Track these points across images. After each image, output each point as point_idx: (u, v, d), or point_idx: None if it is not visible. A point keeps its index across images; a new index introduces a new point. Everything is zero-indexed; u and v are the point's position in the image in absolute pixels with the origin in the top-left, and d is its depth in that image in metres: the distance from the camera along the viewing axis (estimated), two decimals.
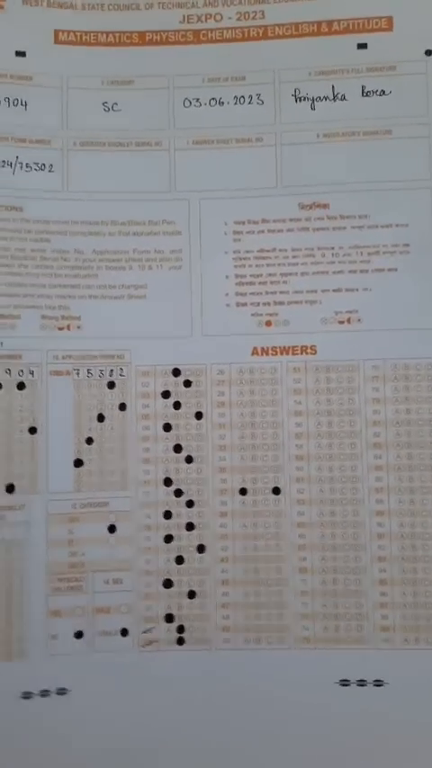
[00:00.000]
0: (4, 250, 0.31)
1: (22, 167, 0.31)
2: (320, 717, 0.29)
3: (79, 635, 0.30)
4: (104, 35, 0.32)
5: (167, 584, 0.30)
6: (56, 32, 0.32)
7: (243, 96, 0.32)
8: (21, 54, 0.32)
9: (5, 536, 0.30)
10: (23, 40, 0.32)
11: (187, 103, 0.32)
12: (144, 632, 0.30)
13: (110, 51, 0.32)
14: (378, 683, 0.29)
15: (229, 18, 0.32)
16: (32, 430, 0.31)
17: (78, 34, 0.32)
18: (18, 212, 0.31)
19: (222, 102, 0.32)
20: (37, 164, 0.31)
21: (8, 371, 0.31)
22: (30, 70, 0.32)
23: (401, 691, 0.29)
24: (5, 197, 0.31)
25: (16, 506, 0.30)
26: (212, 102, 0.32)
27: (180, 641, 0.30)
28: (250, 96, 0.32)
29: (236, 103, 0.32)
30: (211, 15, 0.32)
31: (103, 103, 0.32)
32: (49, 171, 0.32)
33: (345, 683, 0.29)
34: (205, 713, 0.29)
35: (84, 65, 0.32)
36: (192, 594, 0.30)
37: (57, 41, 0.32)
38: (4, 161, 0.31)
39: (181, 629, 0.30)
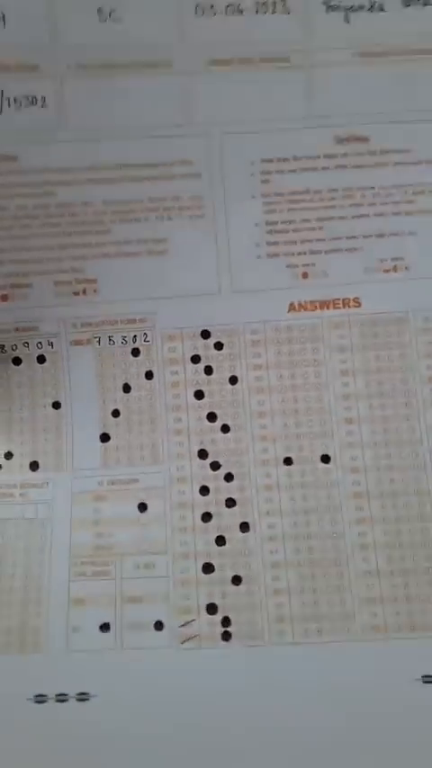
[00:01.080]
0: (3, 210, 0.27)
1: (9, 104, 0.26)
2: (401, 720, 0.25)
3: (105, 627, 0.27)
4: None
5: (207, 568, 0.27)
6: None
7: (266, 3, 0.27)
8: None
9: (27, 515, 0.28)
10: None
11: (200, 11, 0.27)
12: (182, 626, 0.27)
13: None
14: None
15: None
16: (56, 405, 0.28)
17: None
18: (12, 162, 0.27)
19: (241, 10, 0.27)
20: (28, 97, 0.27)
21: (26, 344, 0.28)
22: None
23: None
24: None
25: (39, 484, 0.28)
26: (229, 10, 0.27)
27: (226, 636, 0.27)
28: (274, 3, 0.27)
29: (257, 12, 0.27)
30: None
31: (98, 10, 0.27)
32: (42, 105, 0.27)
33: (428, 679, 0.26)
34: (259, 723, 0.25)
35: None
36: (237, 580, 0.27)
37: None
38: None
39: (226, 621, 0.27)
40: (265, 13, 0.27)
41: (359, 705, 0.25)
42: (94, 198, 0.28)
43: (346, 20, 0.27)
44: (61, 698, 0.26)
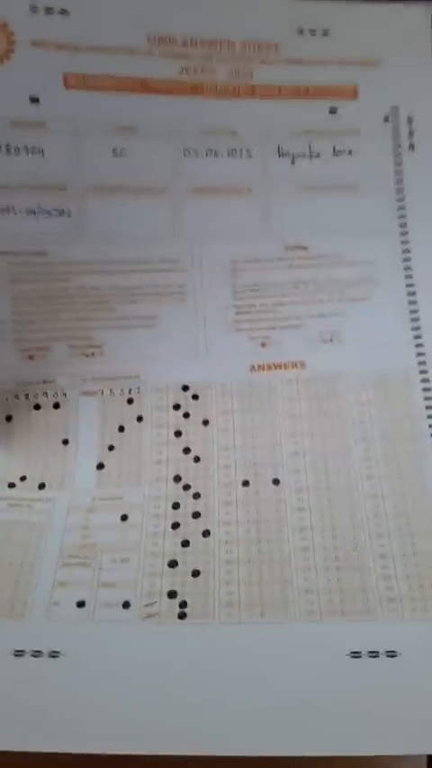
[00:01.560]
0: (33, 291, 0.35)
1: (42, 215, 0.35)
2: (331, 690, 0.28)
3: (81, 604, 0.31)
4: (109, 79, 0.36)
5: (173, 563, 0.33)
6: (65, 77, 0.35)
7: (235, 149, 0.37)
8: (35, 100, 0.35)
9: (31, 519, 0.34)
10: (36, 85, 0.35)
11: (187, 153, 0.37)
12: (146, 605, 0.31)
13: (116, 98, 0.36)
14: (391, 654, 0.29)
15: (223, 74, 0.37)
16: (65, 441, 0.36)
17: (86, 78, 0.36)
18: (43, 257, 0.35)
19: (217, 154, 0.37)
20: (56, 209, 0.36)
21: (45, 394, 0.36)
22: (43, 116, 0.35)
23: (416, 661, 0.29)
24: (31, 243, 0.35)
25: (44, 499, 0.35)
26: (209, 153, 0.37)
27: (182, 615, 0.31)
28: (241, 150, 0.37)
29: (229, 156, 0.37)
30: (206, 69, 0.37)
31: (113, 150, 0.36)
32: (67, 216, 0.36)
33: (356, 654, 0.29)
34: (205, 686, 0.28)
35: (92, 111, 0.36)
36: (196, 573, 0.32)
37: (66, 86, 0.35)
38: (27, 209, 0.35)
39: (183, 604, 0.31)
40: (235, 156, 0.37)
41: (294, 677, 0.29)
42: (103, 285, 0.36)
43: (293, 162, 0.37)
44: (36, 654, 0.29)
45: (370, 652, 0.29)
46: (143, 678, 0.28)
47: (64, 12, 0.35)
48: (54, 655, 0.29)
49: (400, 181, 0.38)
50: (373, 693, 0.28)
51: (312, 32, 0.37)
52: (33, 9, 0.34)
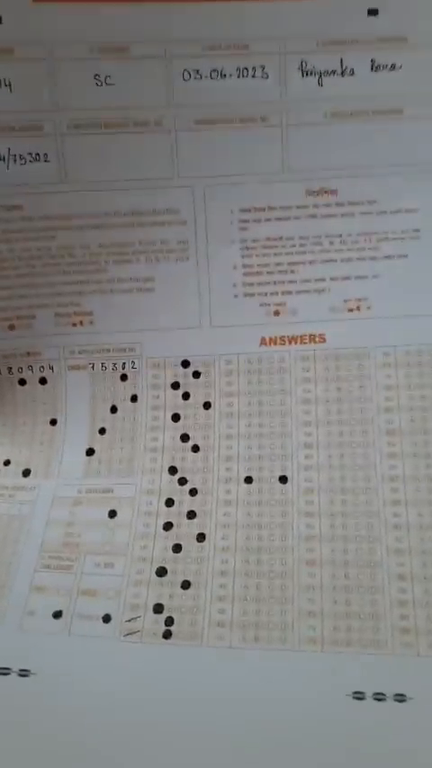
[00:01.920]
0: (10, 251, 0.31)
1: (16, 161, 0.30)
2: (326, 733, 0.24)
3: (58, 614, 0.29)
4: None
5: (161, 572, 0.29)
6: None
7: (246, 68, 0.30)
8: None
9: (11, 511, 0.32)
10: None
11: (187, 75, 0.30)
12: (128, 621, 0.28)
13: (97, 9, 0.29)
14: (399, 699, 0.25)
15: None
16: (53, 422, 0.33)
17: None
18: (19, 211, 0.31)
19: (224, 75, 0.30)
20: (31, 154, 0.30)
21: (30, 368, 0.33)
22: (9, 40, 0.29)
23: (426, 706, 0.25)
24: (4, 196, 0.30)
25: (28, 488, 0.32)
26: (214, 75, 0.30)
27: (167, 634, 0.28)
28: (254, 68, 0.30)
29: (239, 76, 0.30)
30: None
31: (95, 76, 0.30)
32: (45, 161, 0.30)
33: (358, 696, 0.25)
34: (187, 718, 0.25)
35: (70, 30, 0.29)
36: (186, 585, 0.29)
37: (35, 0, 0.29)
38: None
39: (170, 621, 0.28)
40: (246, 77, 0.30)
41: (286, 716, 0.25)
42: (91, 241, 0.31)
43: (320, 83, 0.30)
44: (4, 671, 0.27)
45: (375, 693, 0.25)
46: (120, 705, 0.25)
47: None
48: (24, 674, 0.27)
49: None
50: (374, 744, 0.24)
51: None
52: None
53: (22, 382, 0.33)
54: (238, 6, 0.29)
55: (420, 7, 0.29)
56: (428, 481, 0.30)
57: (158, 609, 0.29)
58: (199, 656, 0.27)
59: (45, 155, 0.30)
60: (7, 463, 0.32)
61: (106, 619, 0.28)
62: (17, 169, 0.30)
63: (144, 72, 0.30)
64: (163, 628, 0.28)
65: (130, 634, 0.28)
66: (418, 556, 0.28)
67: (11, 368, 0.32)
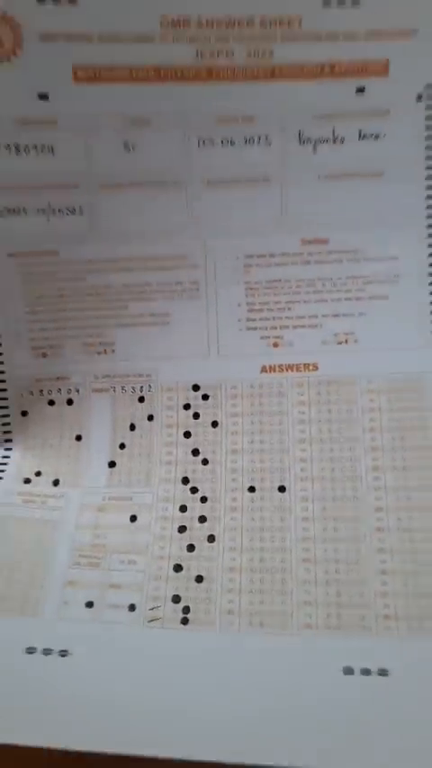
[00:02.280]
0: (47, 290, 0.36)
1: (54, 214, 0.35)
2: (321, 701, 0.28)
3: (90, 605, 0.32)
4: (121, 70, 0.35)
5: (177, 568, 0.34)
6: (74, 70, 0.34)
7: (252, 137, 0.35)
8: (43, 97, 0.34)
9: (44, 516, 0.36)
10: (45, 81, 0.34)
11: (201, 144, 0.35)
12: (151, 609, 0.32)
13: (127, 89, 0.35)
14: (383, 673, 0.29)
15: (240, 54, 0.34)
16: (78, 437, 0.37)
17: (96, 70, 0.35)
18: (55, 256, 0.36)
19: (233, 143, 0.35)
20: (68, 208, 0.36)
21: (59, 390, 0.37)
22: (53, 113, 0.34)
23: (405, 680, 0.29)
24: (43, 243, 0.36)
25: (58, 496, 0.36)
26: (224, 143, 0.35)
27: (185, 621, 0.32)
28: (259, 137, 0.35)
29: (246, 144, 0.35)
30: (222, 51, 0.35)
31: (124, 144, 0.35)
32: (79, 214, 0.36)
33: (348, 671, 0.29)
34: (203, 690, 0.29)
35: (104, 105, 0.35)
36: (199, 579, 0.33)
37: (76, 80, 0.34)
38: (38, 209, 0.35)
39: (186, 609, 0.32)
40: (252, 144, 0.35)
41: (287, 689, 0.29)
42: (115, 282, 0.36)
43: (314, 150, 0.35)
44: (47, 652, 0.31)
45: (362, 669, 0.29)
46: (146, 681, 0.29)
47: (72, 0, 0.34)
48: (63, 653, 0.31)
49: (431, 168, 0.34)
50: (361, 711, 0.28)
51: (341, 3, 0.34)
52: (40, 0, 0.33)
53: (51, 403, 0.37)
54: (246, 87, 0.35)
55: (401, 86, 0.34)
56: (407, 491, 0.34)
57: (176, 599, 0.33)
58: (212, 639, 0.31)
59: (80, 208, 0.36)
60: (38, 474, 0.37)
61: (131, 608, 0.33)
62: (55, 221, 0.35)
63: (165, 140, 0.35)
64: (181, 615, 0.32)
65: (153, 620, 0.32)
66: (397, 554, 0.33)
67: (42, 390, 0.37)
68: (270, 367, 0.36)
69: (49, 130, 0.34)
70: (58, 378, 0.37)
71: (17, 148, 0.34)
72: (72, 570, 0.34)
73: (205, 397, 0.37)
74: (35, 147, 0.35)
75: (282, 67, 0.34)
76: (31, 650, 0.31)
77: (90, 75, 0.34)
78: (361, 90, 0.34)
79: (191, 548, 0.34)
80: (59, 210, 0.35)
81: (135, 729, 0.27)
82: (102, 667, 0.30)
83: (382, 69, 0.34)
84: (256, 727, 0.28)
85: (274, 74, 0.34)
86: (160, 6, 0.34)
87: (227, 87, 0.35)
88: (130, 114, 0.35)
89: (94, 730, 0.27)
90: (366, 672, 0.29)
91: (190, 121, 0.35)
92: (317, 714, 0.28)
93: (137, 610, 0.32)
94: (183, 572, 0.34)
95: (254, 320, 0.36)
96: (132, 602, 0.33)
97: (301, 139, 0.35)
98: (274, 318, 0.36)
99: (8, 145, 0.34)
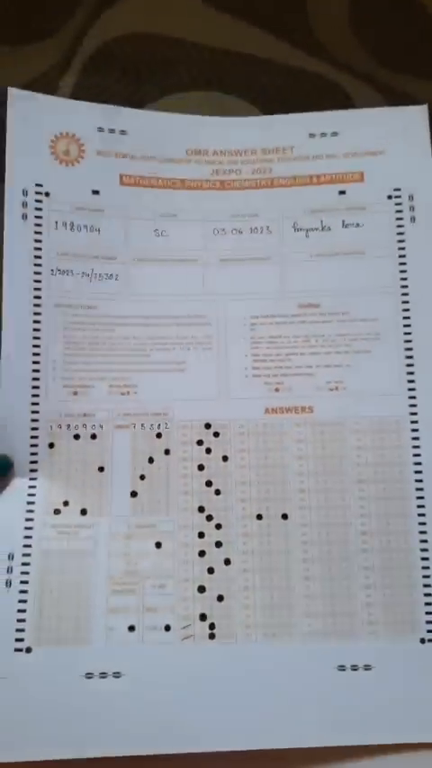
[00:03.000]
0: (83, 338, 0.42)
1: (95, 277, 0.43)
2: (321, 691, 0.36)
3: (132, 628, 0.37)
4: (156, 179, 0.44)
5: (201, 589, 0.38)
6: (121, 176, 0.44)
7: (257, 228, 0.44)
8: (96, 192, 0.44)
9: (79, 547, 0.39)
10: (98, 182, 0.44)
11: (216, 232, 0.44)
12: (183, 628, 0.37)
13: (160, 192, 0.44)
14: (367, 668, 0.37)
15: (246, 172, 0.45)
16: (101, 469, 0.40)
17: (137, 178, 0.44)
18: (93, 310, 0.42)
19: (241, 232, 0.44)
20: (107, 274, 0.43)
21: (85, 426, 0.41)
22: (102, 205, 0.44)
23: (386, 673, 0.36)
24: (84, 299, 0.42)
25: (87, 525, 0.39)
26: (234, 232, 0.44)
27: (212, 636, 0.37)
28: (261, 228, 0.44)
29: (251, 233, 0.44)
30: (233, 170, 0.45)
31: (155, 230, 0.44)
32: (116, 279, 0.43)
33: (341, 668, 0.37)
34: (232, 693, 0.36)
35: (141, 202, 0.44)
36: (221, 598, 0.38)
37: (122, 183, 0.44)
38: (83, 272, 0.43)
39: (212, 626, 0.38)
40: (256, 233, 0.44)
41: (295, 684, 0.36)
42: (141, 335, 0.42)
43: (307, 236, 0.43)
44: (103, 675, 0.36)
45: (352, 665, 0.37)
46: (185, 687, 0.36)
47: (123, 132, 0.44)
48: (117, 675, 0.36)
49: (402, 248, 0.43)
50: (351, 696, 0.36)
51: (323, 135, 0.44)
52: (100, 129, 0.44)
53: (77, 437, 0.41)
54: (251, 193, 0.44)
55: (374, 189, 0.44)
56: (386, 517, 0.39)
57: (203, 617, 0.38)
58: (235, 650, 0.37)
59: (116, 275, 0.43)
60: (66, 504, 0.39)
61: (167, 628, 0.37)
62: (96, 283, 0.43)
63: (187, 230, 0.44)
64: (208, 631, 0.38)
65: (186, 638, 0.37)
66: (379, 571, 0.38)
67: (69, 425, 0.41)
68: (273, 409, 0.41)
69: (97, 216, 0.43)
70: (84, 414, 0.41)
71: (72, 227, 0.43)
72: (112, 598, 0.38)
73: (216, 434, 0.41)
74: (86, 226, 0.43)
75: (279, 179, 0.44)
76: (89, 675, 0.36)
77: (132, 181, 0.44)
78: (342, 192, 0.44)
79: (211, 570, 0.39)
80: (100, 275, 0.43)
81: (185, 728, 0.35)
82: (149, 681, 0.36)
83: (359, 178, 0.44)
84: (272, 716, 0.36)
85: (273, 183, 0.44)
86: (186, 142, 0.45)
87: (236, 193, 0.44)
88: (160, 210, 0.44)
89: (154, 735, 0.35)
90: (354, 668, 0.37)
91: (207, 216, 0.44)
92: (317, 700, 0.36)
93: (172, 629, 0.37)
94: (206, 593, 0.38)
95: (258, 368, 0.42)
96: (167, 623, 0.38)
97: (296, 228, 0.44)
98: (275, 367, 0.42)
99: (65, 223, 0.43)
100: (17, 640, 0.37)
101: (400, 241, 0.43)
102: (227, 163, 0.45)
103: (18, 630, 0.37)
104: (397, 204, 0.43)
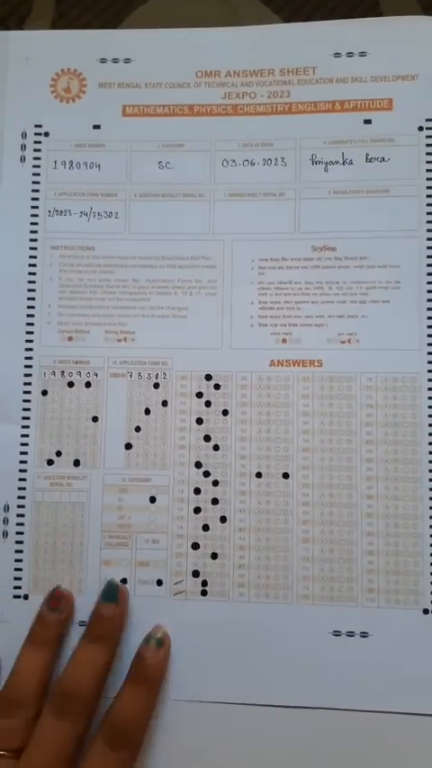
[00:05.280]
0: (79, 280, 0.40)
1: (94, 216, 0.40)
2: (315, 660, 0.36)
3: (124, 581, 0.37)
4: (161, 107, 0.41)
5: (195, 546, 0.37)
6: (124, 107, 0.41)
7: (270, 159, 0.40)
8: (97, 127, 0.41)
9: (72, 499, 0.38)
10: (99, 116, 0.41)
11: (225, 164, 0.40)
12: (175, 584, 0.37)
13: (165, 121, 0.40)
14: (364, 635, 0.36)
15: (262, 95, 0.40)
16: (95, 419, 0.39)
17: (141, 107, 0.41)
18: (90, 251, 0.40)
19: (254, 163, 0.40)
20: (106, 212, 0.40)
21: (79, 373, 0.39)
22: (103, 139, 0.41)
23: (383, 641, 0.36)
24: (82, 240, 0.40)
25: (80, 476, 0.38)
26: (245, 163, 0.40)
27: (204, 593, 0.37)
28: (276, 159, 0.40)
29: (264, 165, 0.40)
30: (246, 93, 0.40)
31: (159, 162, 0.40)
32: (115, 218, 0.40)
33: (337, 633, 0.36)
34: (220, 651, 0.36)
35: (144, 132, 0.40)
36: (214, 556, 0.37)
37: (124, 115, 0.41)
38: (81, 212, 0.40)
39: (204, 583, 0.37)
40: (269, 165, 0.40)
41: (287, 647, 0.36)
42: (141, 277, 0.40)
43: (326, 170, 0.39)
44: None
45: (348, 632, 0.36)
46: (174, 643, 0.36)
47: (127, 60, 0.41)
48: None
49: (431, 188, 0.38)
50: (346, 663, 0.36)
51: (350, 54, 0.39)
52: (102, 60, 0.41)
53: (71, 384, 0.39)
54: (265, 119, 0.40)
55: (404, 119, 0.39)
56: (395, 481, 0.37)
57: (196, 574, 0.37)
58: (227, 608, 0.37)
59: (116, 213, 0.40)
60: (59, 454, 0.39)
61: (159, 583, 0.37)
62: (95, 222, 0.40)
63: (194, 161, 0.40)
64: (200, 588, 0.37)
65: (178, 593, 0.37)
66: (383, 537, 0.37)
67: (63, 372, 0.39)
68: (278, 361, 0.38)
69: (97, 152, 0.40)
70: (77, 362, 0.39)
71: (70, 165, 0.40)
72: (105, 551, 0.38)
73: (217, 386, 0.39)
74: (86, 163, 0.40)
75: (297, 104, 0.40)
76: (83, 623, 0.37)
77: (135, 111, 0.40)
78: (368, 122, 0.39)
79: (206, 527, 0.38)
80: (99, 214, 0.40)
81: (172, 679, 0.36)
82: (142, 634, 0.36)
83: (387, 106, 0.39)
84: (262, 677, 0.36)
85: (290, 109, 0.40)
86: (196, 63, 0.40)
87: (249, 120, 0.40)
88: (165, 140, 0.40)
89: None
90: (351, 634, 0.36)
91: (216, 146, 0.40)
92: (311, 665, 0.36)
93: (164, 584, 0.37)
94: (200, 549, 0.38)
95: (265, 317, 0.39)
96: (159, 577, 0.37)
97: (314, 161, 0.39)
98: (283, 317, 0.39)
99: (64, 162, 0.40)
100: (15, 587, 0.38)
101: (430, 179, 0.38)
102: (240, 85, 0.40)
103: (16, 579, 0.38)
104: (429, 137, 0.38)
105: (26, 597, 0.37)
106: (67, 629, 0.36)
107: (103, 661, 0.35)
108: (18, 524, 0.38)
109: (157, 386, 0.39)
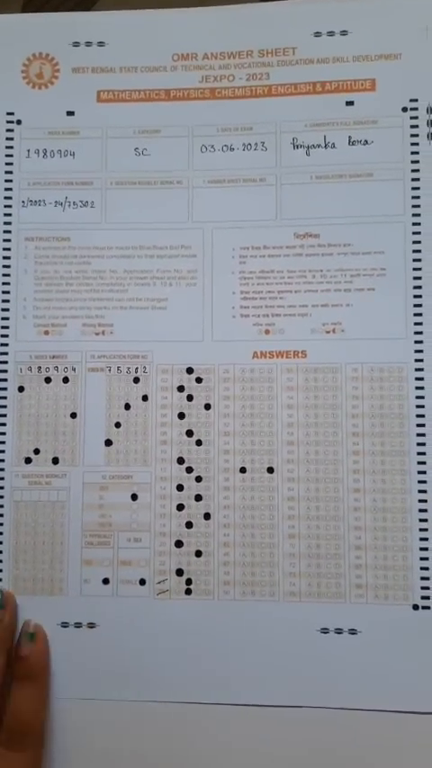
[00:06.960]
0: (55, 272, 0.38)
1: (69, 206, 0.39)
2: (303, 659, 0.35)
3: (106, 581, 0.36)
4: (137, 92, 0.39)
5: (178, 544, 0.36)
6: (98, 93, 0.39)
7: (250, 144, 0.38)
8: (71, 113, 0.39)
9: (52, 498, 0.37)
10: (73, 102, 0.39)
11: (204, 149, 0.39)
12: (158, 583, 0.36)
13: (141, 106, 0.39)
14: (352, 632, 0.35)
15: (240, 78, 0.39)
16: (73, 415, 0.38)
17: (116, 93, 0.39)
18: (66, 242, 0.38)
19: (233, 149, 0.38)
20: (82, 201, 0.39)
21: (56, 368, 0.38)
22: (77, 126, 0.39)
23: (372, 638, 0.35)
24: (57, 230, 0.38)
25: (59, 474, 0.37)
26: (224, 149, 0.38)
27: (188, 591, 0.36)
28: (256, 144, 0.38)
29: (244, 150, 0.38)
30: (224, 76, 0.39)
31: (135, 149, 0.39)
32: (91, 207, 0.39)
33: (325, 631, 0.35)
34: (206, 651, 0.35)
35: (120, 118, 0.39)
36: (198, 553, 0.36)
37: (99, 100, 0.39)
38: (56, 201, 0.39)
39: (189, 581, 0.36)
40: (249, 150, 0.38)
41: (273, 645, 0.35)
42: (119, 267, 0.38)
43: (307, 154, 0.38)
44: (78, 625, 0.36)
45: (336, 629, 0.35)
46: (159, 643, 0.36)
47: (101, 44, 0.39)
48: (91, 625, 0.36)
49: (416, 170, 0.37)
50: (334, 661, 0.35)
51: (330, 34, 0.38)
52: (75, 44, 0.39)
53: (48, 380, 0.38)
54: (244, 102, 0.39)
55: (387, 100, 0.38)
56: (383, 473, 0.36)
57: (180, 572, 0.36)
58: (212, 607, 0.36)
59: (92, 202, 0.39)
60: (37, 452, 0.37)
61: (142, 582, 0.36)
62: (70, 212, 0.38)
63: (172, 147, 0.39)
64: (184, 587, 0.36)
65: (161, 593, 0.36)
66: (371, 531, 0.36)
67: (40, 367, 0.38)
68: (261, 353, 0.37)
69: (72, 139, 0.39)
70: (54, 356, 0.38)
71: (44, 153, 0.39)
72: (86, 550, 0.37)
73: (199, 379, 0.37)
74: (60, 151, 0.39)
75: (277, 86, 0.38)
76: (65, 624, 0.36)
77: (111, 96, 0.39)
78: (350, 103, 0.38)
79: (189, 525, 0.37)
80: (74, 203, 0.39)
81: (157, 679, 0.36)
82: (122, 635, 0.36)
83: (370, 86, 0.38)
84: (249, 676, 0.35)
85: (270, 92, 0.38)
86: (172, 45, 0.39)
87: (228, 103, 0.39)
88: (141, 126, 0.39)
89: (126, 684, 0.36)
90: (339, 631, 0.35)
91: (194, 131, 0.39)
92: (298, 663, 0.35)
93: (147, 584, 0.36)
94: (183, 547, 0.37)
95: (247, 308, 0.38)
96: (142, 576, 0.36)
97: (295, 145, 0.38)
98: (266, 307, 0.37)
99: (37, 150, 0.39)
100: None
101: (415, 161, 0.37)
102: (218, 68, 0.39)
103: None
104: (413, 118, 0.37)
105: None
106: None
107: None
108: None
109: (137, 380, 0.38)
